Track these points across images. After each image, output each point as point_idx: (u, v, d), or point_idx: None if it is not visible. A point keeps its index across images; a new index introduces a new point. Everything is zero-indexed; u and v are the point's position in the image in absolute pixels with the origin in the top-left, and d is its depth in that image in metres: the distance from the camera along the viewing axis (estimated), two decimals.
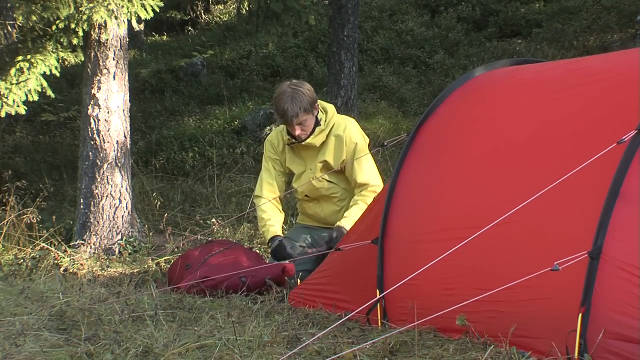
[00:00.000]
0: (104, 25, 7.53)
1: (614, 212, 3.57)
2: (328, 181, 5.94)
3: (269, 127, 12.72)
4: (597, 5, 15.10)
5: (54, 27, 7.25)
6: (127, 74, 8.01)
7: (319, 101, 5.92)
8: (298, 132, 5.79)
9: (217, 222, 7.49)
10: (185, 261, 5.94)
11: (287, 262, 5.68)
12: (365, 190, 5.82)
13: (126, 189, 7.97)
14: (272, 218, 5.98)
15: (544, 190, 3.71)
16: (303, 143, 5.86)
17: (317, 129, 5.85)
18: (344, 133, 5.85)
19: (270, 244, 5.93)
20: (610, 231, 3.55)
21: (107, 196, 7.85)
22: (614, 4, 14.83)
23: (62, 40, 7.61)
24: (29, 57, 7.63)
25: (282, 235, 5.97)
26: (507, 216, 3.77)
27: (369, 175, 5.86)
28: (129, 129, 8.04)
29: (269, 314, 4.85)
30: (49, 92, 7.96)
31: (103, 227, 7.84)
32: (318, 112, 5.86)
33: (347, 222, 5.71)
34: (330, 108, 5.97)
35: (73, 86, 14.98)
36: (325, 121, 5.87)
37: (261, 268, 5.67)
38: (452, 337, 4.08)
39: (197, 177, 11.18)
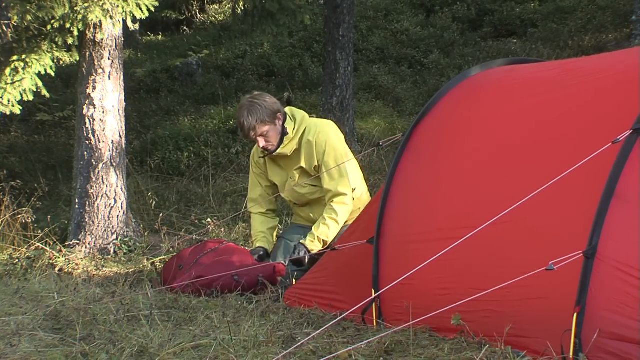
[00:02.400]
0: (98, 24, 7.52)
1: (609, 211, 3.57)
2: (311, 185, 5.93)
3: None
4: (592, 5, 15.12)
5: (49, 27, 7.23)
6: (122, 73, 8.00)
7: (291, 109, 5.90)
8: (262, 144, 5.78)
9: (212, 221, 7.49)
10: (179, 261, 5.94)
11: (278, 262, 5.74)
12: (333, 199, 5.81)
13: (121, 188, 7.96)
14: (257, 234, 6.16)
15: (539, 189, 3.72)
16: (274, 154, 5.86)
17: (286, 138, 5.82)
18: (314, 138, 5.82)
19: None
20: (605, 230, 3.56)
21: (102, 196, 7.84)
22: (609, 4, 14.86)
23: (57, 39, 7.59)
24: (23, 56, 7.61)
25: (261, 247, 6.08)
26: (501, 216, 3.77)
27: (336, 181, 5.81)
28: (124, 128, 8.03)
29: (264, 314, 4.85)
30: (44, 92, 7.94)
31: (98, 226, 7.82)
32: (284, 121, 5.82)
33: (312, 242, 5.77)
34: (299, 114, 5.94)
35: (68, 86, 14.97)
36: (294, 129, 5.84)
37: (254, 268, 5.68)
38: (447, 336, 4.09)
39: (192, 176, 11.18)
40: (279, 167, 6.01)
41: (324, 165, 5.80)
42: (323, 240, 5.76)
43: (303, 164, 5.87)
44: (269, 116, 5.72)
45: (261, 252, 6.00)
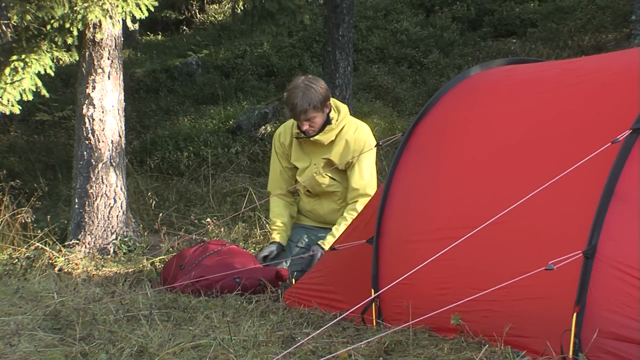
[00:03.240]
0: (98, 24, 7.52)
1: (609, 211, 3.57)
2: (331, 177, 5.95)
3: (263, 127, 12.73)
4: (592, 5, 15.12)
5: (49, 27, 7.23)
6: (121, 73, 8.00)
7: (333, 100, 5.93)
8: (305, 127, 5.82)
9: (212, 221, 7.49)
10: (179, 261, 5.93)
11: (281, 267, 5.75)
12: (357, 197, 5.84)
13: (121, 188, 7.96)
14: (277, 219, 6.10)
15: (538, 189, 3.72)
16: (311, 139, 5.88)
17: (327, 127, 5.87)
18: (354, 135, 5.89)
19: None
20: (605, 230, 3.56)
21: (101, 195, 7.84)
22: (608, 4, 14.85)
23: (56, 39, 7.59)
24: (23, 56, 7.61)
25: (276, 242, 6.04)
26: (501, 215, 3.77)
27: (365, 181, 5.88)
28: (123, 128, 8.03)
29: (263, 314, 4.85)
30: (44, 92, 7.93)
31: (97, 226, 7.82)
32: (330, 111, 5.86)
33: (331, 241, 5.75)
34: (344, 108, 5.99)
35: (67, 85, 14.96)
36: (337, 120, 5.89)
37: (255, 271, 5.68)
38: (447, 336, 4.09)
39: (191, 176, 11.17)
40: (305, 153, 6.02)
41: (358, 164, 5.83)
42: None
43: (333, 157, 5.89)
44: (321, 103, 5.76)
45: (275, 251, 6.00)
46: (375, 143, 5.94)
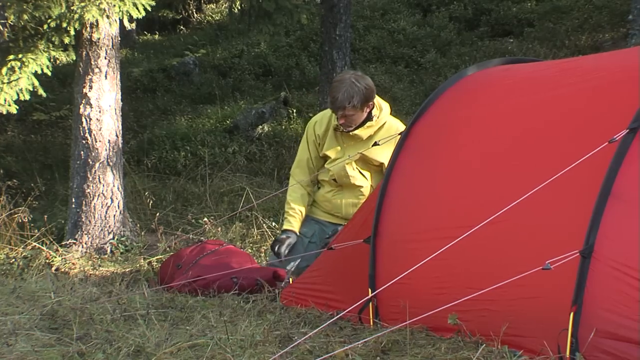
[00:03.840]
0: (95, 24, 7.52)
1: (606, 210, 3.58)
2: (360, 172, 5.91)
3: (260, 126, 12.73)
4: (589, 4, 15.13)
5: (45, 26, 7.24)
6: (118, 72, 8.00)
7: (377, 98, 5.90)
8: (341, 121, 5.78)
9: (209, 221, 7.50)
10: (177, 261, 5.93)
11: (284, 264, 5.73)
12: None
13: (118, 188, 7.96)
14: (296, 205, 6.02)
15: (535, 189, 3.72)
16: (350, 133, 5.86)
17: (368, 123, 5.83)
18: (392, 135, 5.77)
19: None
20: (602, 230, 3.56)
21: (98, 195, 7.84)
22: (605, 3, 14.87)
23: (53, 39, 7.59)
24: (20, 55, 7.61)
25: (293, 230, 5.98)
26: (498, 215, 3.77)
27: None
28: (120, 127, 8.03)
29: (260, 313, 4.85)
30: (41, 91, 7.94)
31: (94, 226, 7.83)
32: (372, 109, 5.84)
33: None
34: (386, 107, 5.96)
35: (64, 85, 14.94)
36: (378, 117, 5.87)
37: (253, 271, 5.67)
38: (444, 336, 4.09)
39: (188, 176, 11.17)
40: (339, 145, 5.98)
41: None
42: None
43: (368, 153, 5.83)
44: (361, 103, 5.72)
45: (290, 239, 5.92)
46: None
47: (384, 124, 5.89)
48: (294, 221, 5.99)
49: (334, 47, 11.68)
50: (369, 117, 5.84)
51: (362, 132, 5.85)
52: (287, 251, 5.84)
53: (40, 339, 4.28)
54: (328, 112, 6.01)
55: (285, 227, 5.99)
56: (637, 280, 3.46)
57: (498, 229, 3.85)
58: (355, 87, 5.69)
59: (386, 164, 5.62)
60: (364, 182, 5.93)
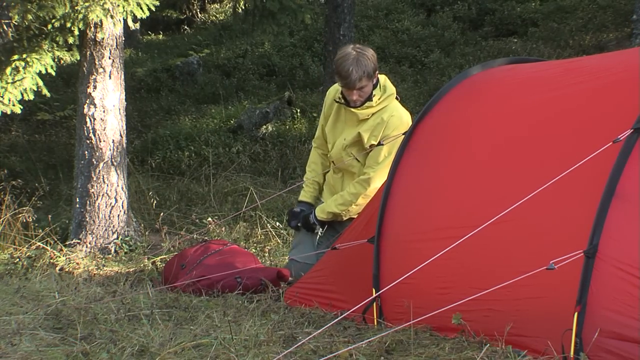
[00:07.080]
0: (99, 23, 7.52)
1: (610, 210, 3.57)
2: (355, 157, 5.77)
3: (264, 126, 12.73)
4: (593, 4, 15.11)
5: (50, 26, 7.24)
6: (122, 72, 8.01)
7: (385, 79, 5.78)
8: (355, 97, 5.61)
9: (213, 221, 7.49)
10: (181, 260, 5.93)
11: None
12: (361, 179, 5.68)
13: (122, 187, 7.97)
14: (309, 176, 6.07)
15: (539, 188, 3.72)
16: (351, 109, 5.70)
17: (367, 103, 5.67)
18: (388, 118, 5.68)
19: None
20: (606, 230, 3.56)
21: (102, 195, 7.84)
22: (610, 3, 14.84)
23: (57, 39, 7.60)
24: (24, 55, 7.62)
25: (305, 202, 6.01)
26: (502, 215, 3.77)
27: (376, 169, 5.64)
28: (124, 127, 8.03)
29: (264, 313, 4.85)
30: (45, 91, 7.94)
31: (99, 226, 7.83)
32: (377, 82, 5.70)
33: (320, 210, 5.81)
34: (390, 90, 5.79)
35: (69, 85, 14.96)
36: (379, 98, 5.70)
37: (257, 270, 5.67)
38: (448, 335, 4.09)
39: (192, 176, 11.16)
40: (340, 122, 5.86)
41: (377, 149, 5.64)
42: (327, 212, 5.79)
43: (363, 132, 5.68)
44: (373, 71, 5.58)
45: (300, 211, 5.94)
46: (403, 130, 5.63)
47: (385, 107, 5.73)
48: (307, 191, 6.04)
49: (338, 47, 11.62)
50: (369, 97, 5.68)
51: (360, 112, 5.67)
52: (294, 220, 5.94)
53: (44, 338, 4.29)
54: (337, 86, 5.83)
55: (299, 198, 6.07)
56: None
57: (502, 228, 3.85)
58: (362, 56, 5.53)
59: (377, 142, 5.60)
60: (359, 168, 5.77)
